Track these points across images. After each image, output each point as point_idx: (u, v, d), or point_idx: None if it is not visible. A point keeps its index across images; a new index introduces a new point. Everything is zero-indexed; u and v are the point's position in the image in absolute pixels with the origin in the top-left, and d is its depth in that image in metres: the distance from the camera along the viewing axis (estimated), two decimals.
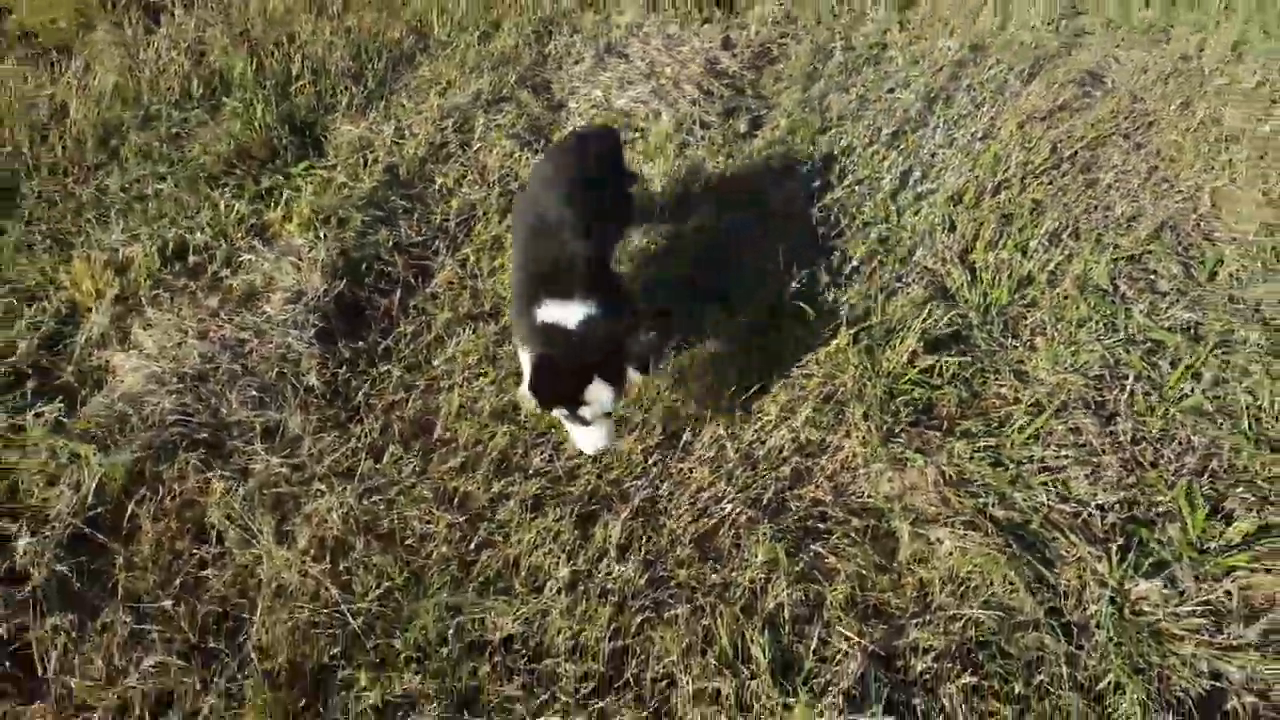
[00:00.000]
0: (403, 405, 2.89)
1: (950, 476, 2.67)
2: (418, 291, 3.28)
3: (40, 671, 2.25)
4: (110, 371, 2.90)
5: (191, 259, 3.27)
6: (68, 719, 2.17)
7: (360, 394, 2.91)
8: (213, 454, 2.70)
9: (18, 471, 2.59)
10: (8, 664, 2.25)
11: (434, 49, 4.63)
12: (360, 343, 3.07)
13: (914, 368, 2.94)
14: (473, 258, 3.40)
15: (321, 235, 3.35)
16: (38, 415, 2.68)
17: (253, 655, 2.27)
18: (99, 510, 2.54)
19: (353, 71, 4.41)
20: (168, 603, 2.36)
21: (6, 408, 2.72)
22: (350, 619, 2.34)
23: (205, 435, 2.74)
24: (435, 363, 3.03)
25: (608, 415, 2.37)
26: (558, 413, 2.39)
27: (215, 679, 2.23)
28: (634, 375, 2.37)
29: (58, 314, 3.05)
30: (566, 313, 2.37)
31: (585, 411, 2.31)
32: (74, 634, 2.29)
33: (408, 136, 3.97)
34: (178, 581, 2.42)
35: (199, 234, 3.33)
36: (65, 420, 2.72)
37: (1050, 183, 3.83)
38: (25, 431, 2.67)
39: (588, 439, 2.40)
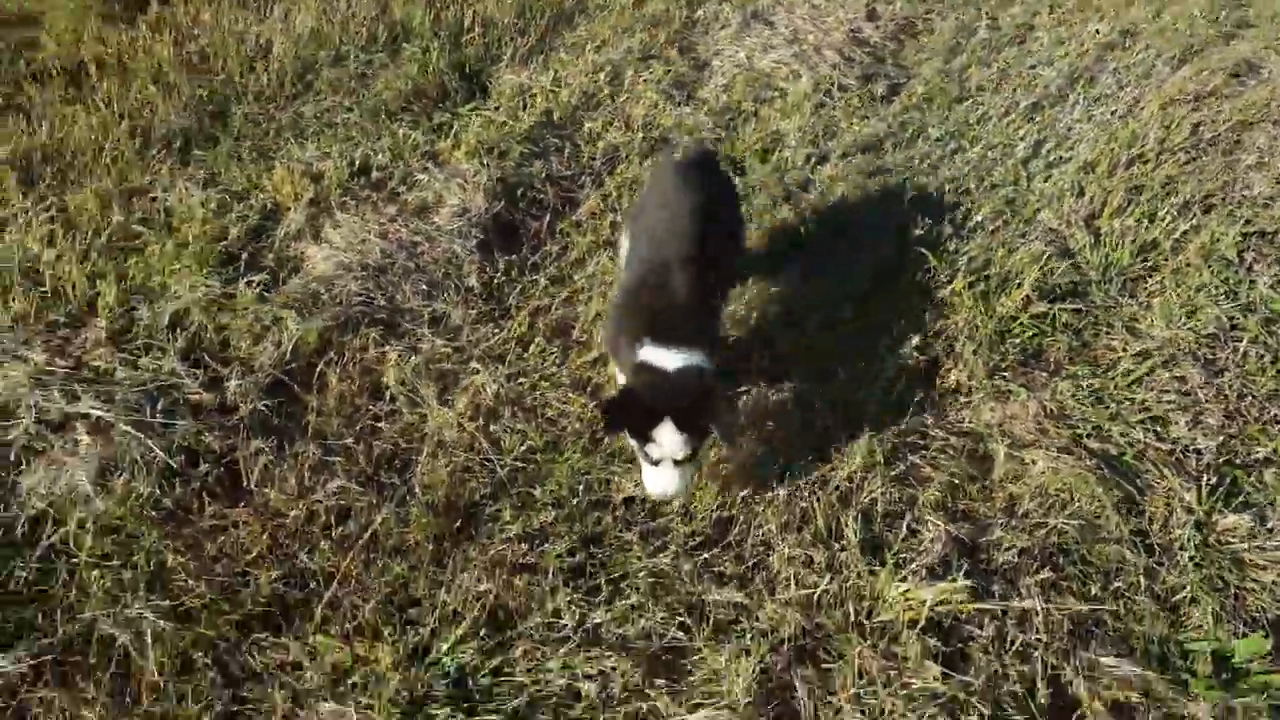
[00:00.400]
0: (547, 310, 3.25)
1: (1050, 410, 2.82)
2: (564, 217, 3.65)
3: (245, 483, 2.72)
4: (304, 259, 3.39)
5: (374, 175, 3.74)
6: (265, 522, 2.62)
7: (511, 297, 3.30)
8: (388, 332, 3.13)
9: (229, 330, 3.09)
10: (220, 472, 2.73)
11: (591, 10, 5.02)
12: (513, 256, 3.46)
13: (1027, 314, 3.09)
14: (614, 193, 3.74)
15: (484, 163, 3.76)
16: (249, 283, 3.18)
17: (417, 489, 2.67)
18: (294, 365, 3.00)
19: (517, 27, 4.84)
20: (349, 440, 2.80)
21: (221, 279, 3.23)
22: (498, 469, 2.71)
23: (383, 316, 3.17)
24: (576, 278, 3.39)
25: (679, 462, 2.34)
26: (633, 445, 2.42)
27: (386, 503, 2.64)
28: (711, 430, 2.33)
29: (262, 210, 3.56)
30: (668, 358, 2.36)
31: (652, 450, 2.32)
32: (272, 456, 2.75)
33: (563, 85, 4.35)
34: (357, 427, 2.86)
35: (380, 155, 3.80)
36: (268, 294, 3.21)
37: (1188, 161, 3.87)
38: (236, 298, 3.17)
39: (654, 480, 2.39)
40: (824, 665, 2.27)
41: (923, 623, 2.28)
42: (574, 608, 2.39)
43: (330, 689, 2.28)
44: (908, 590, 2.33)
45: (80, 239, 3.32)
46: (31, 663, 2.30)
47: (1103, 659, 2.28)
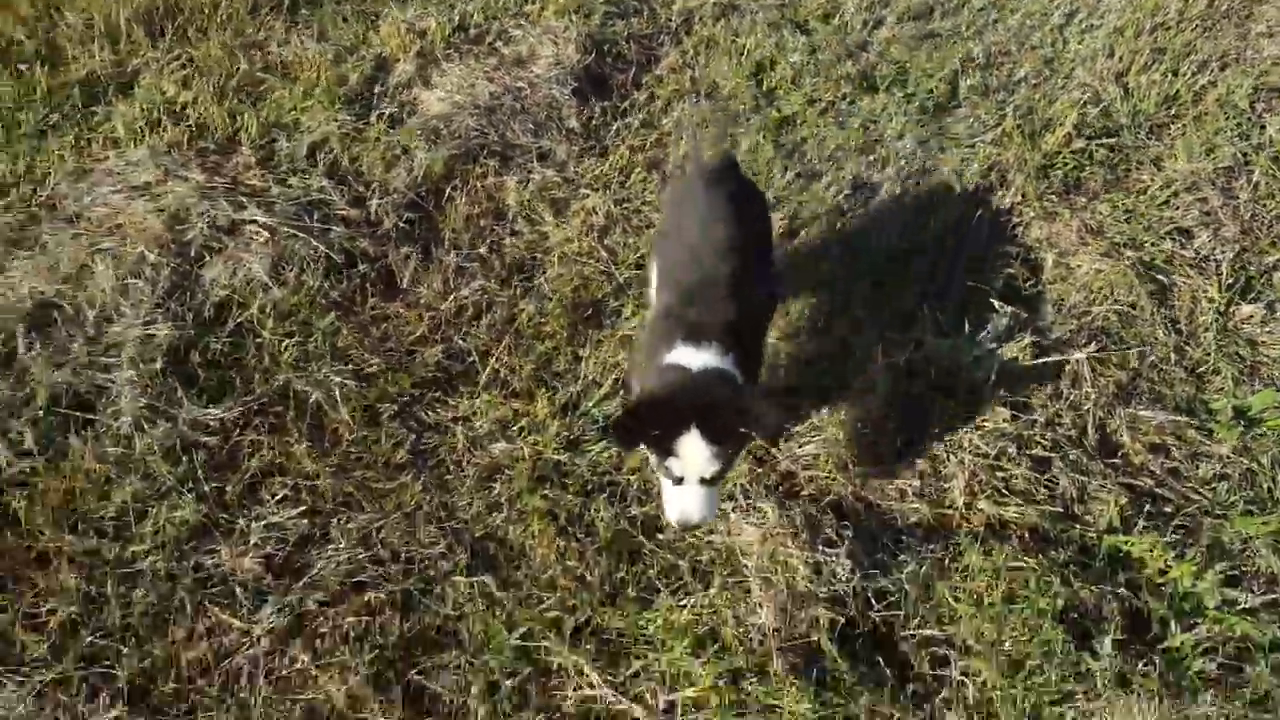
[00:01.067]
0: (641, 148, 3.63)
1: (1090, 226, 3.27)
2: (648, 71, 4.00)
3: (398, 282, 3.12)
4: (419, 102, 3.73)
5: (471, 31, 4.05)
6: (420, 313, 3.03)
7: (608, 137, 3.67)
8: (503, 163, 3.50)
9: (362, 159, 3.45)
10: (375, 273, 3.12)
11: None
12: (605, 102, 3.81)
13: (1068, 149, 3.52)
14: (691, 50, 4.08)
15: (572, 20, 4.08)
16: (379, 116, 3.54)
17: (547, 290, 3.09)
18: (424, 189, 3.38)
19: None
20: (482, 251, 3.20)
21: (352, 114, 3.57)
22: (616, 275, 3.13)
23: (497, 149, 3.54)
24: (664, 122, 3.75)
25: (705, 481, 2.02)
26: (653, 462, 2.15)
27: (523, 299, 3.06)
28: (748, 439, 2.11)
29: (374, 61, 3.88)
30: (697, 357, 2.07)
31: (674, 465, 1.99)
32: (419, 261, 3.15)
33: None
34: (487, 241, 3.25)
35: (476, 15, 4.11)
36: (392, 130, 3.56)
37: (1204, 29, 4.25)
38: (366, 130, 3.52)
39: (676, 502, 2.06)
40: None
41: (993, 377, 2.76)
42: None
43: (500, 433, 2.73)
44: (978, 354, 2.80)
45: (213, 83, 3.64)
46: (240, 409, 2.73)
47: (1141, 412, 2.77)
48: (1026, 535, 2.51)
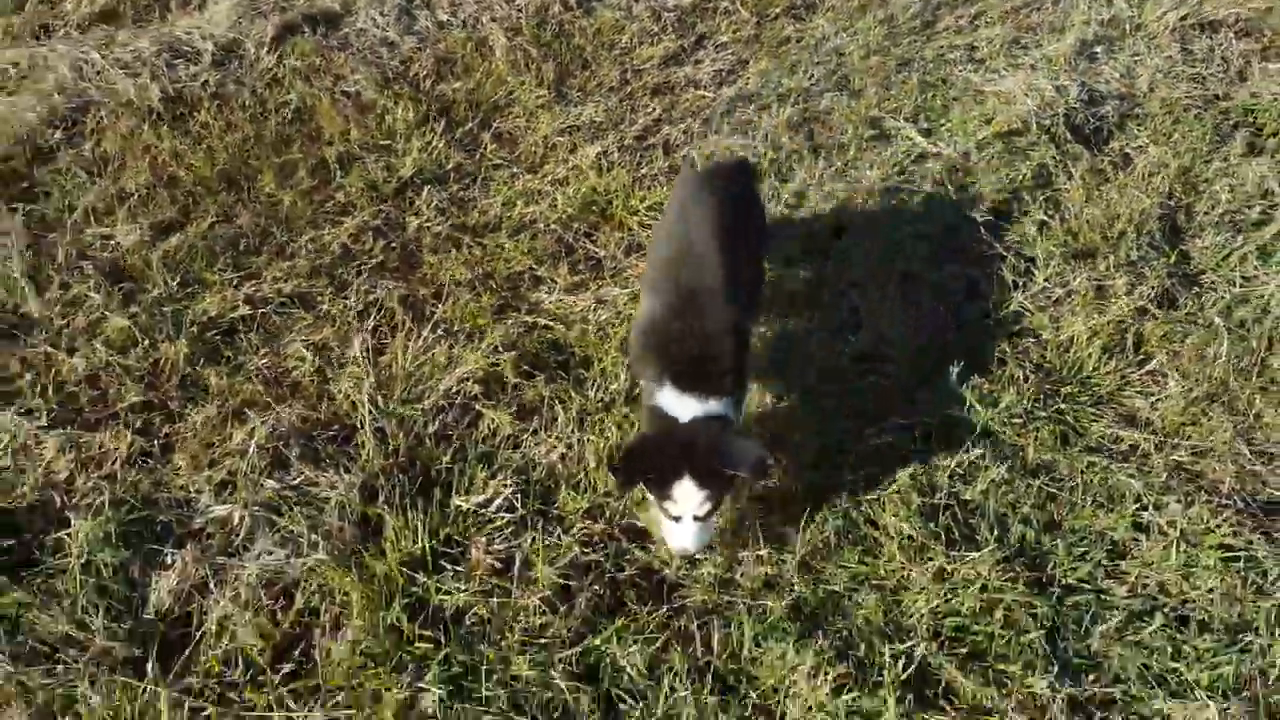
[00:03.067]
0: None
1: None
2: None
3: None
4: None
5: None
6: None
7: None
8: None
9: None
10: None
11: None
12: None
13: None
14: None
15: None
16: None
17: None
18: None
19: None
20: None
21: None
22: None
23: None
24: None
25: (699, 518, 2.21)
26: (651, 500, 2.29)
27: None
28: (738, 480, 2.26)
29: None
30: (685, 406, 2.21)
31: (670, 506, 2.19)
32: None
33: None
34: None
35: None
36: None
37: None
38: None
39: (676, 537, 2.26)
40: None
41: None
42: None
43: None
44: None
45: None
46: None
47: None
48: None
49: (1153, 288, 3.00)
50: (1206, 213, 3.31)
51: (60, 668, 2.13)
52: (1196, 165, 3.46)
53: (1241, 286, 3.05)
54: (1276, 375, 2.79)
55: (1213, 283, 3.09)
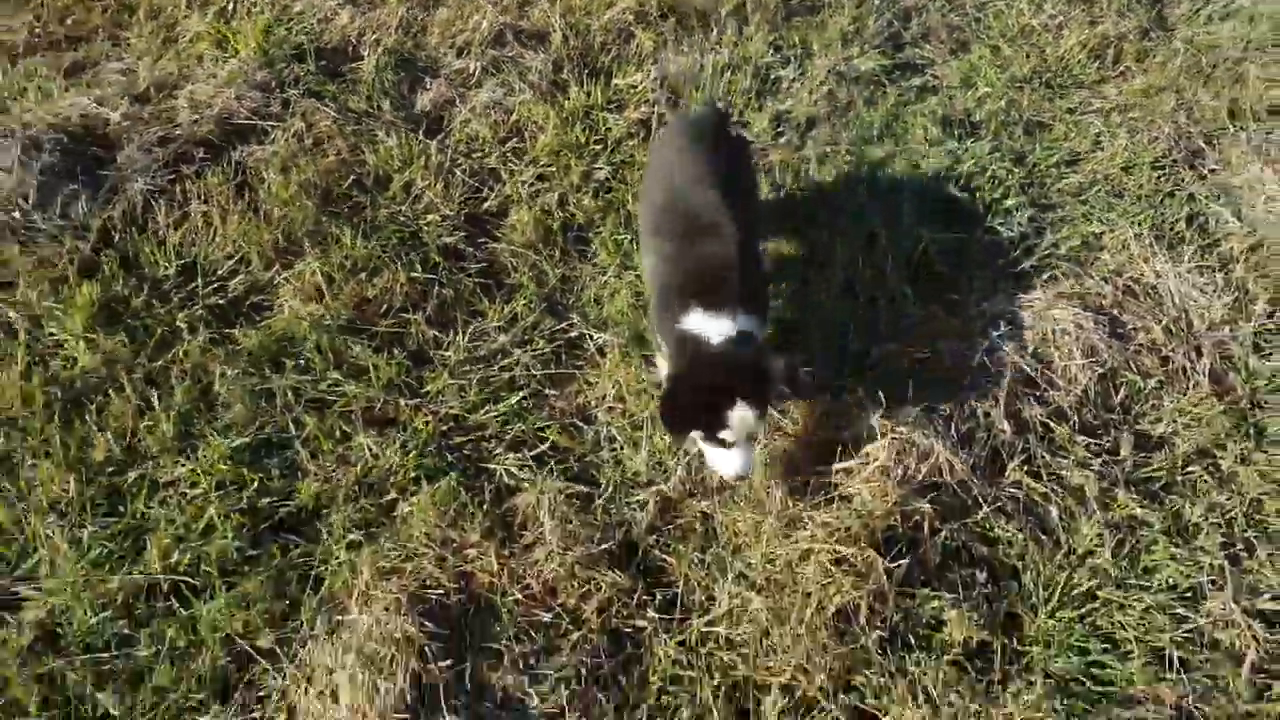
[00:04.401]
0: None
1: None
2: None
3: None
4: None
5: None
6: None
7: None
8: None
9: None
10: None
11: None
12: None
13: None
14: None
15: None
16: None
17: None
18: None
19: None
20: None
21: None
22: None
23: None
24: None
25: (751, 439, 2.24)
26: (698, 437, 2.28)
27: None
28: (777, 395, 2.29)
29: None
30: (714, 326, 2.20)
31: (727, 435, 2.18)
32: None
33: None
34: None
35: None
36: None
37: None
38: None
39: (729, 463, 2.25)
40: None
41: None
42: None
43: None
44: None
45: None
46: None
47: None
48: None
49: (1132, 27, 3.99)
50: None
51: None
52: None
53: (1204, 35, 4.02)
54: (1219, 78, 3.78)
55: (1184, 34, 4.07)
